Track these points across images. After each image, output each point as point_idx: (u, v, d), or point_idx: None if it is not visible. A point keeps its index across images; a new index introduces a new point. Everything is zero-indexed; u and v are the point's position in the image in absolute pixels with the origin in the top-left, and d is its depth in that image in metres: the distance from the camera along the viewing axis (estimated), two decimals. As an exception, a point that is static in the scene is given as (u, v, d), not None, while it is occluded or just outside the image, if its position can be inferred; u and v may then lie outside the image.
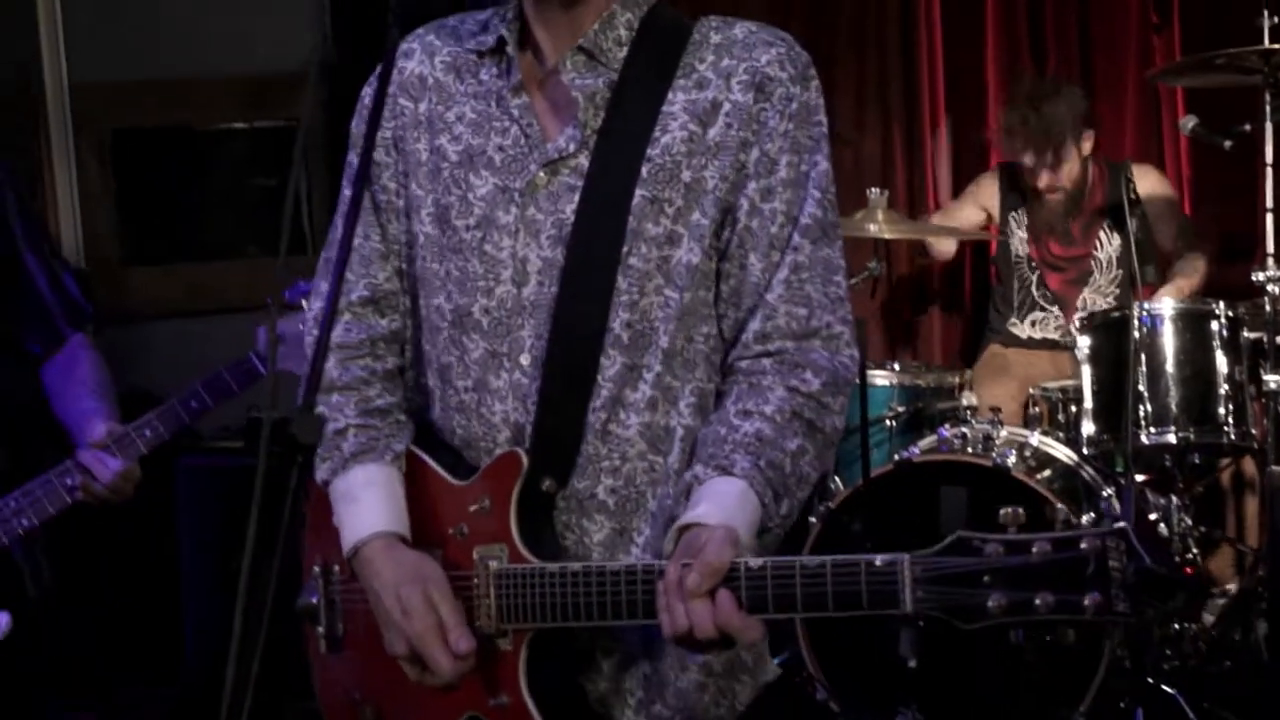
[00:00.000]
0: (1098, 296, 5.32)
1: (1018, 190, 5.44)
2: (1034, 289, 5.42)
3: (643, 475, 2.17)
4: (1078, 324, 4.65)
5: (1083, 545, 1.70)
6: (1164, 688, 4.28)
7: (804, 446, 2.12)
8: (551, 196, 2.16)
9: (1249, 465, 4.92)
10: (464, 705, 2.12)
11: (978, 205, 5.53)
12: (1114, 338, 4.49)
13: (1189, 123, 4.94)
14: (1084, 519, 4.20)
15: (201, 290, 6.11)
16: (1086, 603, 1.69)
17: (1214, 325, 4.46)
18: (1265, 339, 4.44)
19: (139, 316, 6.04)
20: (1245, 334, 4.48)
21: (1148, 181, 5.22)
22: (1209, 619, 4.70)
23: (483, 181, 2.19)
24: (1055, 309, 5.37)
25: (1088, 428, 4.51)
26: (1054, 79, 5.45)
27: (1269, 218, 4.44)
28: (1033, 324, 5.41)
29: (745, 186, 2.15)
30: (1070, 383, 4.79)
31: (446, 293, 2.22)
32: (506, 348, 2.16)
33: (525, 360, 2.15)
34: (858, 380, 3.96)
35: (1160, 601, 1.70)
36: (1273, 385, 4.43)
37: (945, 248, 5.65)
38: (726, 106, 2.15)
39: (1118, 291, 5.29)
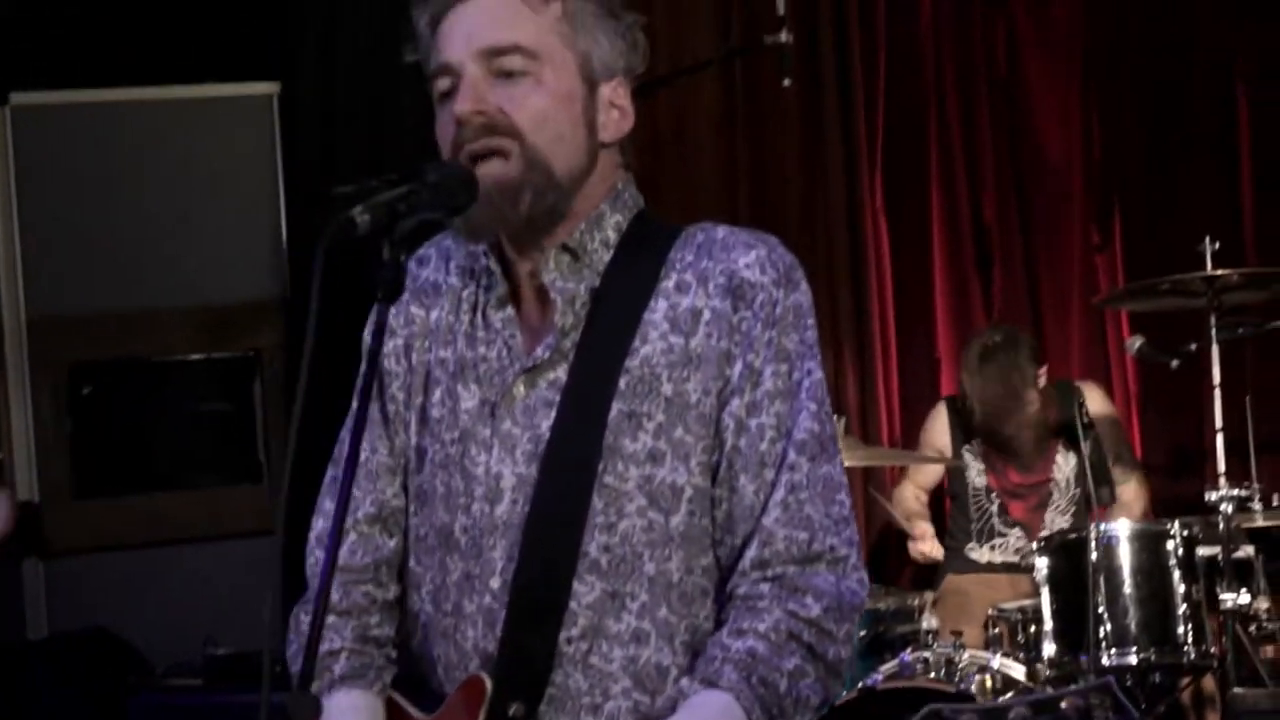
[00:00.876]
0: (1058, 516, 5.35)
1: (970, 422, 5.47)
2: (995, 518, 5.43)
3: (627, 715, 2.05)
4: (1036, 546, 4.68)
5: (1063, 705, 1.71)
6: None
7: (803, 668, 2.01)
8: (528, 410, 2.10)
9: (1209, 683, 4.92)
10: None
11: (933, 450, 5.53)
12: (1072, 559, 4.52)
13: (1135, 343, 5.05)
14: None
15: (156, 522, 6.09)
16: None
17: (1170, 545, 4.49)
18: (1220, 557, 4.48)
19: (93, 549, 6.01)
20: (1200, 552, 4.52)
21: (1094, 401, 5.30)
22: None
23: (470, 394, 2.15)
24: (1016, 532, 5.38)
25: (1048, 649, 4.52)
26: (1005, 329, 5.49)
27: (1219, 437, 4.52)
28: (992, 549, 5.42)
29: (730, 403, 2.06)
30: (1030, 603, 4.80)
31: (432, 509, 2.16)
32: (479, 569, 2.09)
33: (495, 584, 2.08)
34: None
35: None
36: (1229, 604, 4.48)
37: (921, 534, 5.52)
38: (706, 315, 2.07)
39: (1075, 509, 5.33)
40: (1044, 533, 5.08)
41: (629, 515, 2.05)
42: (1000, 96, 6.08)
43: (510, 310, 2.15)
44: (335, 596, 2.21)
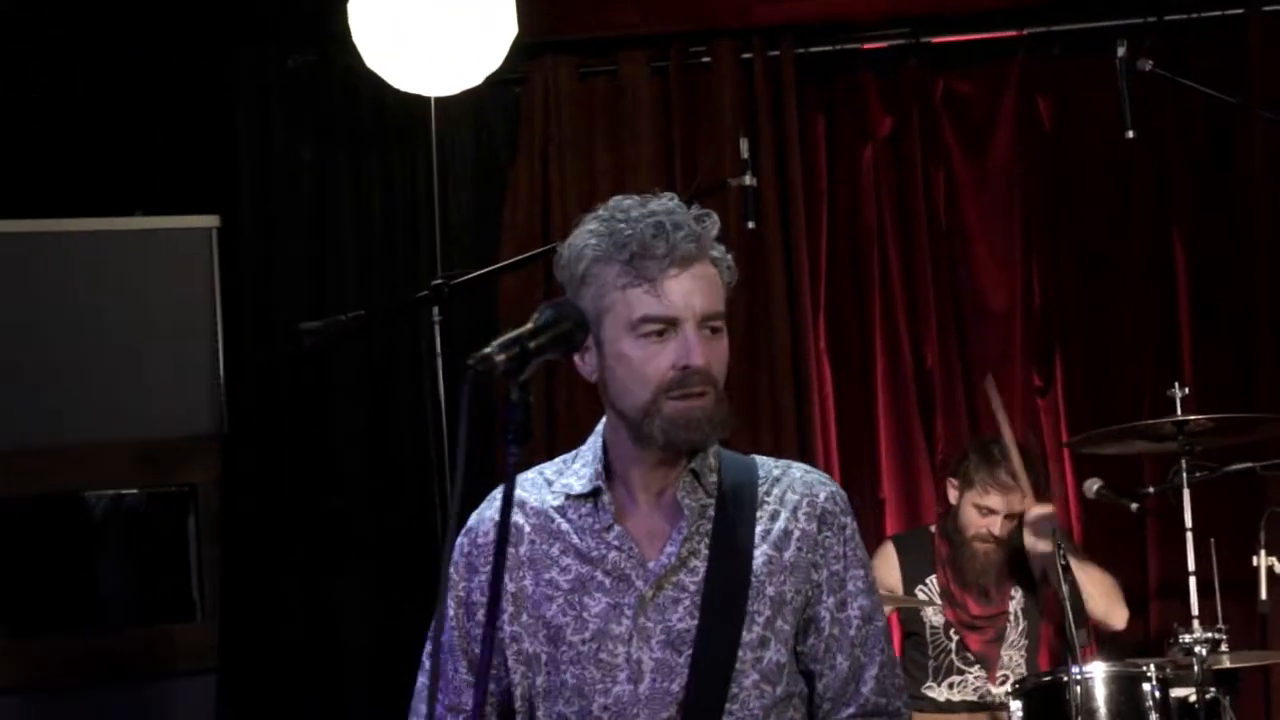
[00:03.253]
0: (1014, 652, 5.38)
1: (921, 559, 5.51)
2: (953, 654, 5.44)
3: None
4: (1010, 689, 4.71)
5: None
6: None
7: None
8: (659, 608, 2.58)
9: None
10: None
11: (883, 590, 5.53)
12: (1048, 701, 4.57)
13: (1094, 486, 5.15)
14: None
15: (90, 660, 5.94)
16: None
17: (1146, 686, 4.56)
18: (1194, 698, 4.55)
19: (24, 689, 5.85)
20: (1174, 693, 4.59)
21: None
22: None
23: (595, 601, 2.60)
24: (976, 669, 5.40)
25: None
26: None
27: (1191, 580, 4.61)
28: (950, 687, 5.43)
29: (824, 600, 2.64)
30: (1004, 748, 4.83)
31: (565, 698, 2.60)
32: None
33: None
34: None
35: None
36: (1204, 745, 4.55)
37: None
38: (796, 534, 2.63)
39: (1027, 643, 5.36)
40: (1003, 671, 5.11)
41: (747, 689, 2.58)
42: (940, 242, 6.18)
43: (620, 528, 2.61)
44: None
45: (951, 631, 5.44)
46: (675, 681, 2.55)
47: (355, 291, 6.07)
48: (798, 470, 2.73)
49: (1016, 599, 5.42)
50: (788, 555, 2.62)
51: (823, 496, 2.67)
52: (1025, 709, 4.61)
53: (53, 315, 6.06)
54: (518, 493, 2.64)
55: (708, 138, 6.13)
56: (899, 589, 5.49)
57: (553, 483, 2.70)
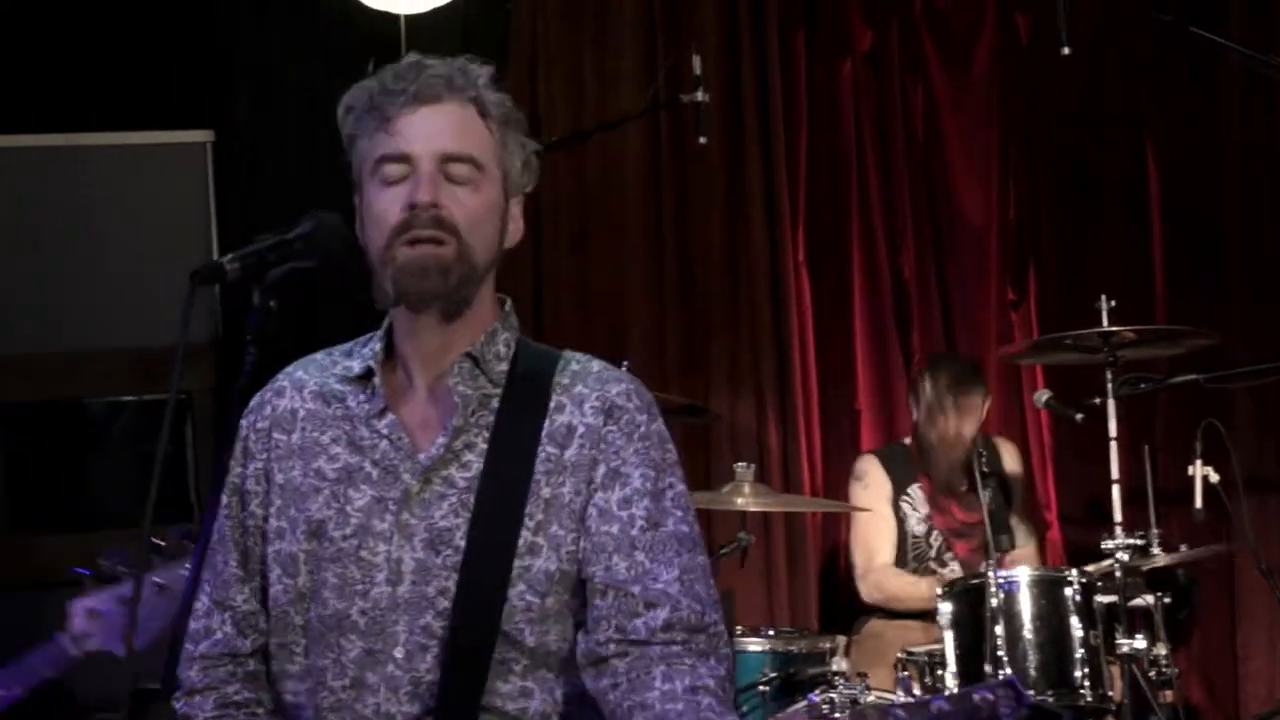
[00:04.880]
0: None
1: (904, 470, 5.60)
2: (930, 559, 5.52)
3: None
4: (940, 591, 4.80)
5: (975, 698, 1.86)
6: None
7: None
8: (424, 504, 2.41)
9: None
10: None
11: (877, 508, 5.61)
12: (973, 603, 4.65)
13: (1043, 396, 5.21)
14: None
15: (88, 558, 6.13)
16: None
17: (1068, 591, 4.63)
18: (1118, 603, 4.62)
19: (25, 585, 6.04)
20: (1099, 599, 4.65)
21: (1008, 458, 5.47)
22: None
23: (360, 494, 2.43)
24: (948, 572, 5.45)
25: (950, 690, 4.63)
26: (968, 358, 5.67)
27: (1115, 488, 4.67)
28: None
29: (594, 497, 2.40)
30: (937, 646, 4.91)
31: (323, 601, 2.42)
32: (381, 644, 2.37)
33: (399, 654, 2.37)
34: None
35: None
36: (1126, 649, 4.62)
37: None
38: (580, 429, 2.42)
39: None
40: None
41: (511, 599, 2.37)
42: (918, 157, 6.24)
43: (391, 417, 2.45)
44: (195, 679, 2.51)
45: (933, 537, 5.53)
46: (432, 585, 2.37)
47: (348, 201, 6.20)
48: (598, 365, 2.52)
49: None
50: (569, 453, 2.41)
51: (615, 391, 2.45)
52: (953, 610, 4.69)
53: (53, 227, 6.21)
54: (300, 374, 2.55)
55: (688, 50, 6.18)
56: (889, 496, 5.58)
57: (338, 364, 2.54)
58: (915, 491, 5.57)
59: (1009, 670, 4.55)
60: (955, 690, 1.88)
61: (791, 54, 6.25)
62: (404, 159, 2.39)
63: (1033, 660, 4.58)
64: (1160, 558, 4.82)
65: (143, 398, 6.36)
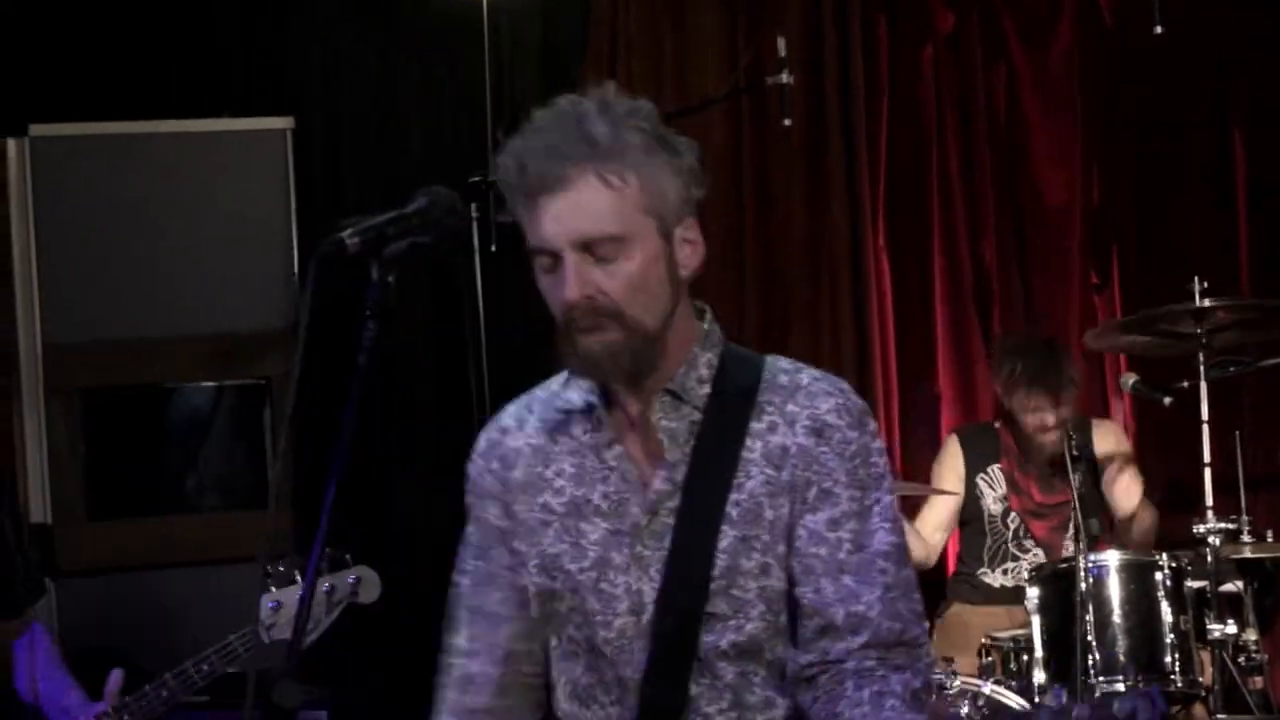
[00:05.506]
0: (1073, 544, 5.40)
1: (985, 449, 5.55)
2: (1009, 542, 5.48)
3: None
4: (1028, 576, 4.76)
5: (1115, 708, 1.91)
6: None
7: None
8: (655, 535, 2.43)
9: (1198, 711, 4.99)
10: None
11: (946, 484, 5.57)
12: (1061, 588, 4.61)
13: (1129, 380, 5.15)
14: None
15: (168, 544, 6.17)
16: None
17: (1158, 576, 4.59)
18: (1208, 588, 4.56)
19: (102, 570, 6.09)
20: (1189, 584, 4.61)
21: (1109, 439, 5.41)
22: None
23: (593, 527, 2.47)
24: (1031, 555, 5.42)
25: (1038, 676, 4.60)
26: (1050, 338, 5.62)
27: (1207, 472, 4.61)
28: (1004, 573, 5.47)
29: (804, 518, 2.40)
30: (1022, 632, 4.88)
31: (567, 635, 2.50)
32: (630, 670, 2.44)
33: (639, 678, 2.44)
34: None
35: None
36: (1217, 634, 4.56)
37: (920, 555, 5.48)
38: (793, 449, 2.41)
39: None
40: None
41: (754, 619, 2.42)
42: (1000, 139, 6.19)
43: (619, 449, 2.47)
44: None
45: (1010, 519, 5.49)
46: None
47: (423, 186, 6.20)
48: (807, 377, 2.48)
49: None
50: (784, 475, 2.41)
51: (825, 408, 2.42)
52: (1041, 595, 4.66)
53: (133, 215, 6.21)
54: (523, 412, 2.58)
55: (772, 34, 6.15)
56: (962, 477, 5.53)
57: (558, 397, 2.55)
58: (995, 471, 5.52)
59: (1097, 655, 4.50)
60: (1098, 697, 1.85)
61: (873, 37, 6.22)
62: (548, 253, 2.38)
63: (1122, 645, 4.54)
64: (1251, 544, 4.75)
65: (224, 383, 6.39)
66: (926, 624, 2.49)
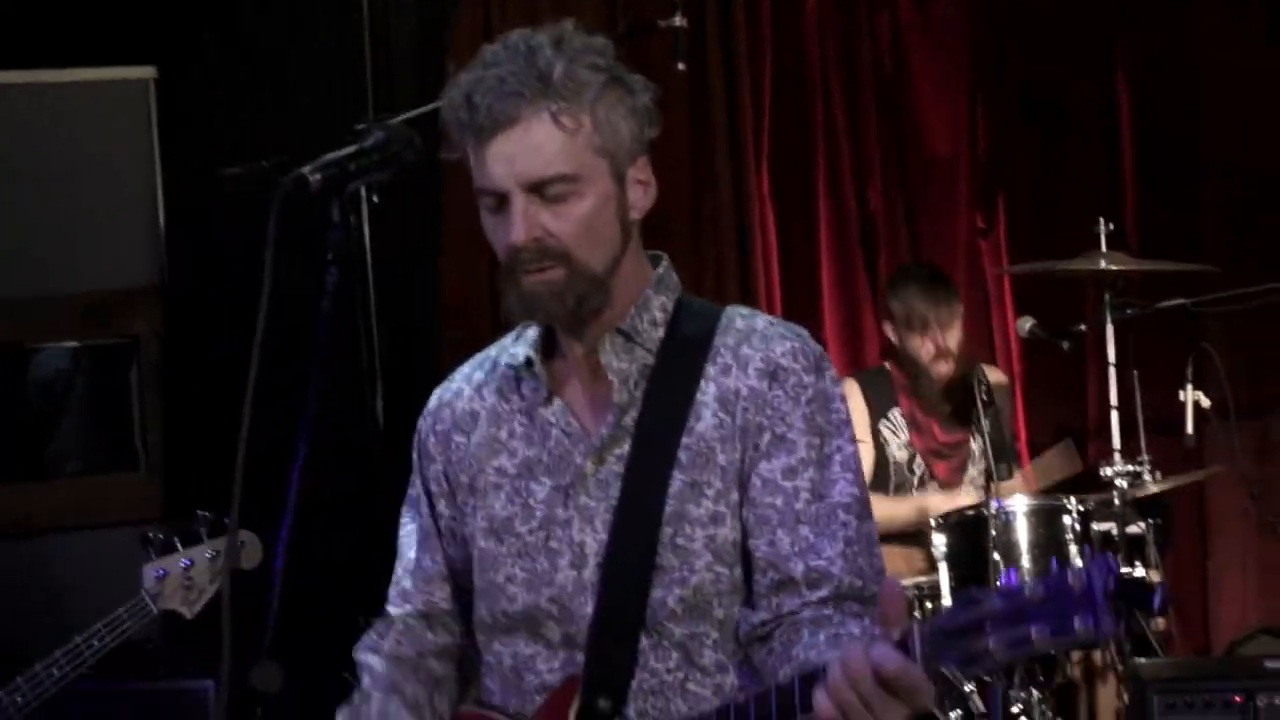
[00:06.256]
0: (972, 490, 5.39)
1: (882, 393, 5.49)
2: (914, 489, 5.44)
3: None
4: (933, 523, 4.72)
5: (1069, 578, 1.78)
6: None
7: None
8: (601, 484, 2.34)
9: (1098, 656, 5.00)
10: None
11: (860, 428, 5.50)
12: (969, 535, 4.58)
13: (1026, 324, 5.12)
14: (952, 715, 4.27)
15: (32, 510, 5.96)
16: (1076, 626, 1.76)
17: (1066, 519, 4.57)
18: (1115, 531, 4.56)
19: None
20: (1095, 526, 4.60)
21: (997, 385, 5.38)
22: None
23: (542, 486, 2.37)
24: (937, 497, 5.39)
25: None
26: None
27: (1114, 415, 4.60)
28: None
29: (758, 465, 2.30)
30: (926, 580, 4.85)
31: (508, 596, 2.38)
32: (575, 628, 2.32)
33: (589, 635, 2.33)
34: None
35: (1142, 606, 1.80)
36: (1125, 576, 4.54)
37: None
38: (744, 392, 2.31)
39: (984, 483, 5.37)
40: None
41: (699, 571, 2.29)
42: (886, 87, 6.14)
43: (558, 402, 2.39)
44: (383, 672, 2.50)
45: (915, 464, 5.44)
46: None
47: (297, 138, 6.01)
48: (763, 321, 2.41)
49: (974, 439, 5.41)
50: (736, 419, 2.31)
51: (779, 351, 2.33)
52: (948, 543, 4.63)
53: (-8, 169, 6.00)
54: (476, 373, 2.51)
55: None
56: (868, 425, 5.47)
57: (507, 351, 2.48)
58: (895, 416, 5.47)
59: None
60: (1052, 575, 1.79)
61: (755, -19, 6.13)
62: (495, 194, 2.29)
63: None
64: (1154, 484, 4.76)
65: (87, 343, 6.17)
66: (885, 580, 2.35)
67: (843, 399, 2.38)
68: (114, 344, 6.16)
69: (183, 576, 3.67)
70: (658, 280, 2.41)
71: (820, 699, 1.93)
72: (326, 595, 4.36)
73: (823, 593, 2.25)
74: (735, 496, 2.29)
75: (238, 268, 5.91)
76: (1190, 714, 3.95)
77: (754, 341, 2.34)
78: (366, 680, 2.47)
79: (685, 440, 2.30)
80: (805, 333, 2.41)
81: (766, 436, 2.29)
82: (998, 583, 1.88)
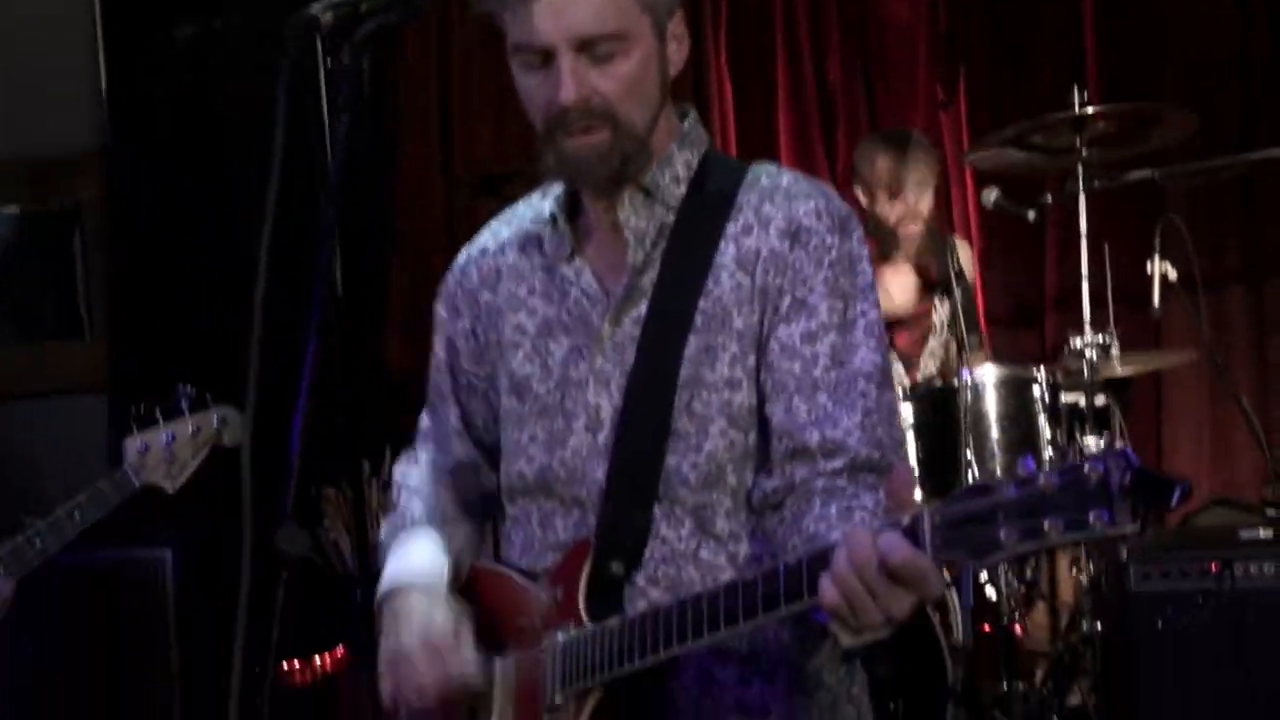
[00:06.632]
0: (931, 360, 5.37)
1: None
2: None
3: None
4: (901, 393, 4.70)
5: (1085, 469, 1.72)
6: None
7: None
8: (617, 347, 2.29)
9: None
10: None
11: None
12: (939, 406, 4.56)
13: (991, 194, 5.05)
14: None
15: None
16: (1092, 519, 1.71)
17: (1035, 390, 4.56)
18: (1083, 403, 4.55)
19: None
20: (1063, 398, 4.59)
21: (965, 257, 5.36)
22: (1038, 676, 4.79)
23: (560, 345, 2.34)
24: (897, 368, 5.38)
25: (916, 495, 4.55)
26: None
27: (1084, 287, 4.57)
28: None
29: (777, 329, 2.23)
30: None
31: (528, 456, 2.35)
32: (584, 492, 2.28)
33: (601, 498, 2.27)
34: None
35: (1160, 503, 1.72)
36: (1092, 448, 4.55)
37: None
38: (764, 253, 2.24)
39: (943, 355, 5.36)
40: (919, 373, 5.12)
41: (714, 436, 2.23)
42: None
43: (578, 261, 2.34)
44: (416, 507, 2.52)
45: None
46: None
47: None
48: (788, 178, 2.32)
49: (940, 310, 5.39)
50: (755, 280, 2.24)
51: (802, 210, 2.24)
52: (916, 412, 4.61)
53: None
54: (502, 229, 2.47)
55: None
56: None
57: (533, 207, 2.45)
58: None
59: (976, 472, 4.48)
60: (1066, 463, 1.73)
61: None
62: (539, 51, 2.20)
63: (1000, 462, 4.52)
64: (1121, 358, 4.73)
65: (29, 209, 6.03)
66: (904, 454, 2.33)
67: (868, 262, 2.30)
68: (57, 210, 6.03)
69: (165, 451, 3.63)
70: (683, 135, 2.33)
71: (825, 586, 1.88)
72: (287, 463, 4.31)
73: (837, 464, 2.18)
74: (752, 361, 2.23)
75: (183, 130, 5.85)
76: (1166, 583, 3.96)
77: (776, 199, 2.26)
78: (409, 506, 2.51)
79: (702, 303, 2.24)
80: (832, 191, 2.32)
81: (787, 300, 2.22)
82: (1019, 467, 1.80)
